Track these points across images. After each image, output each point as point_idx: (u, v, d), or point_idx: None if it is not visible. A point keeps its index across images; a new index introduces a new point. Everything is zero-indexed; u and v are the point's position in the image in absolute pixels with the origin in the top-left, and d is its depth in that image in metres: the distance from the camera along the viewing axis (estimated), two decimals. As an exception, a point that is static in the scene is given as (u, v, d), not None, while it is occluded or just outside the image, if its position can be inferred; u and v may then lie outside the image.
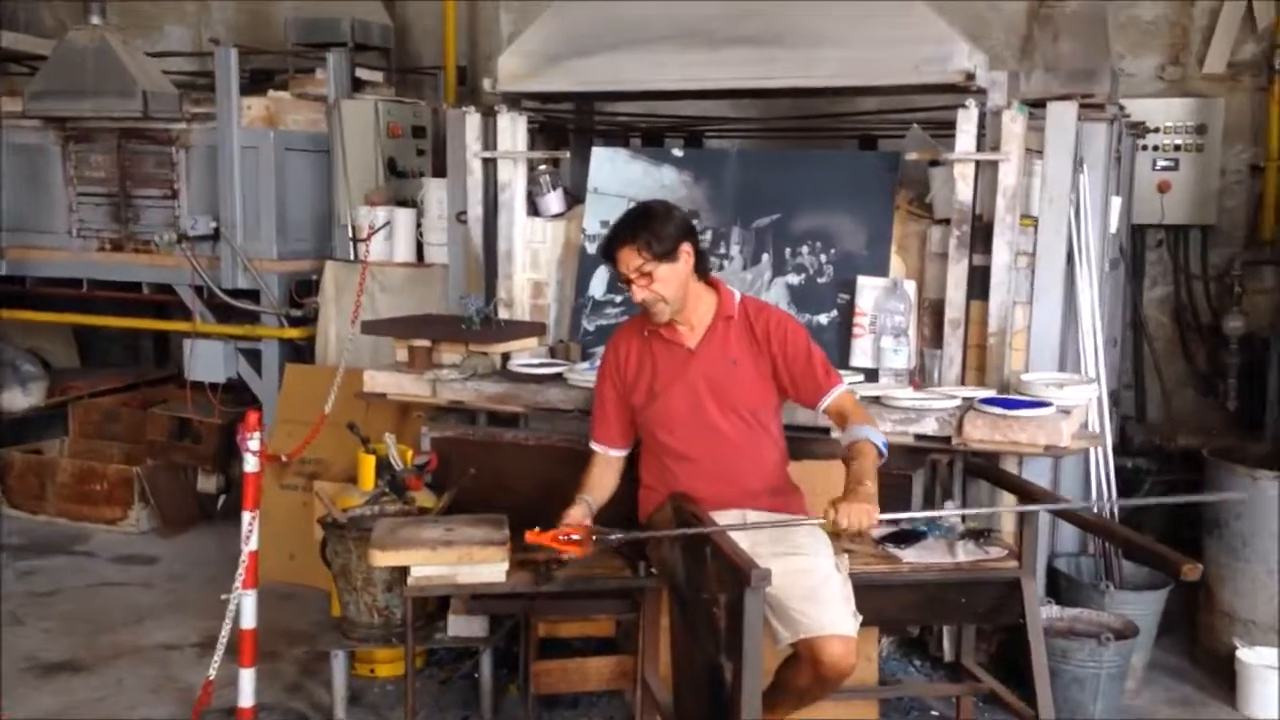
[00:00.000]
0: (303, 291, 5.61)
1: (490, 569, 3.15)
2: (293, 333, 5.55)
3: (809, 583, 3.02)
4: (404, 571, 3.16)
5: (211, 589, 4.32)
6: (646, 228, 3.14)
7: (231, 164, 5.50)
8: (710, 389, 3.24)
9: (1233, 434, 5.22)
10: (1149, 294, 5.68)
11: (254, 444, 3.42)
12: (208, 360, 5.62)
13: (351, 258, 5.42)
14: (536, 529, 3.04)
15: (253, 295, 5.60)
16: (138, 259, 5.81)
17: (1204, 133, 5.50)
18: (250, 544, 3.46)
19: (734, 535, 2.96)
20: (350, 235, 5.45)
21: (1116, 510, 4.04)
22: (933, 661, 4.13)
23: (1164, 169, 5.53)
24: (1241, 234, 5.55)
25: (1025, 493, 3.39)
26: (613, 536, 3.05)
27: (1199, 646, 4.27)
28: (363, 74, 6.10)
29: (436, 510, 3.72)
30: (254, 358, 5.65)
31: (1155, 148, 5.51)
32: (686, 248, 3.18)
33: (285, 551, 4.92)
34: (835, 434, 3.37)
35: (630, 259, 3.15)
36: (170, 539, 5.62)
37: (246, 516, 3.45)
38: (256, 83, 6.13)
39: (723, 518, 3.11)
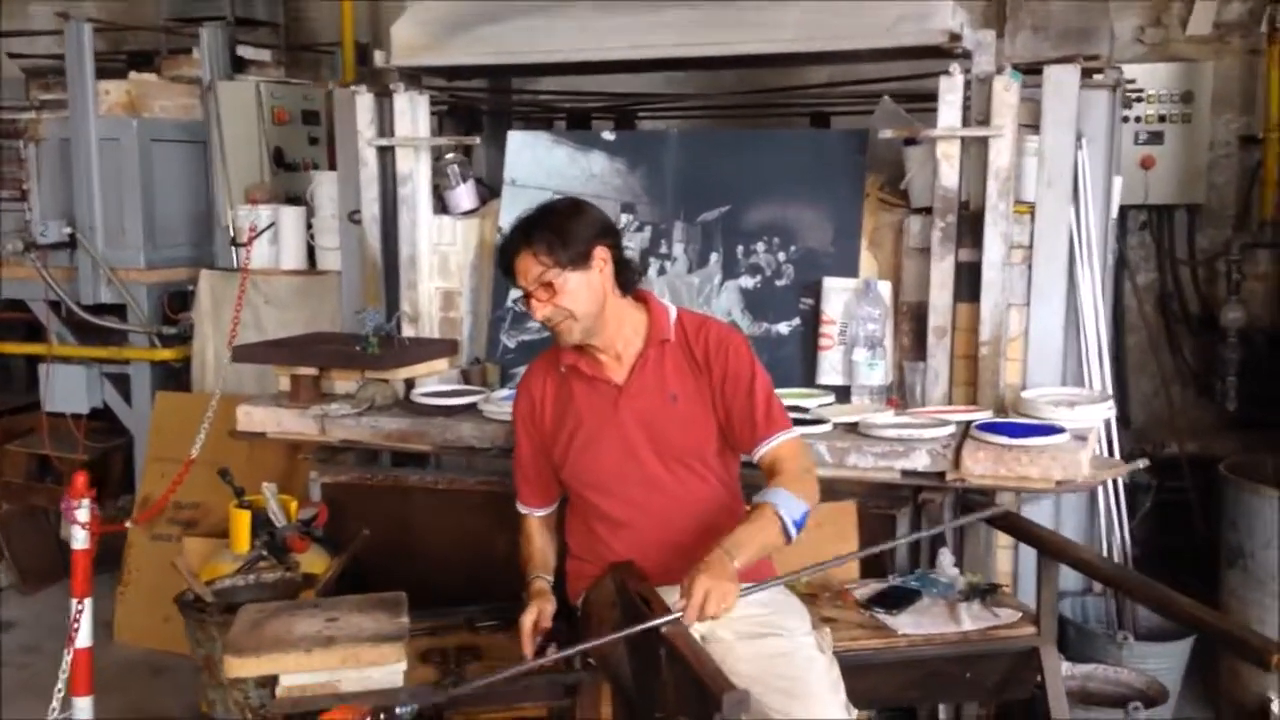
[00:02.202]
0: (177, 305, 4.86)
1: (383, 672, 2.46)
2: (165, 354, 4.80)
3: (789, 671, 2.40)
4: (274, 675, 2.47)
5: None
6: (547, 226, 2.53)
7: (88, 158, 4.74)
8: (646, 434, 2.59)
9: (1232, 438, 4.69)
10: (1131, 282, 5.14)
11: (82, 514, 2.70)
12: (68, 387, 4.87)
13: (234, 265, 4.68)
14: None
15: (119, 311, 4.84)
16: (-17, 271, 5.02)
17: (1190, 101, 4.94)
18: (80, 640, 2.74)
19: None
20: (232, 239, 4.71)
21: (1130, 550, 3.47)
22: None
23: (1147, 142, 4.97)
24: (1231, 214, 5.02)
25: (1045, 544, 2.77)
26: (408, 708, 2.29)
27: (1224, 697, 3.70)
28: (247, 52, 5.36)
29: (322, 582, 3.03)
30: (122, 383, 4.89)
31: (1137, 119, 4.94)
32: (601, 252, 2.55)
33: (158, 613, 4.17)
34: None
35: (528, 267, 2.52)
36: (32, 595, 4.84)
37: (74, 606, 2.72)
38: (136, 67, 5.36)
39: (672, 595, 2.46)
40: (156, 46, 5.66)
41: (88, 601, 2.78)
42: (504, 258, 2.58)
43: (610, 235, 2.60)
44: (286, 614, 2.62)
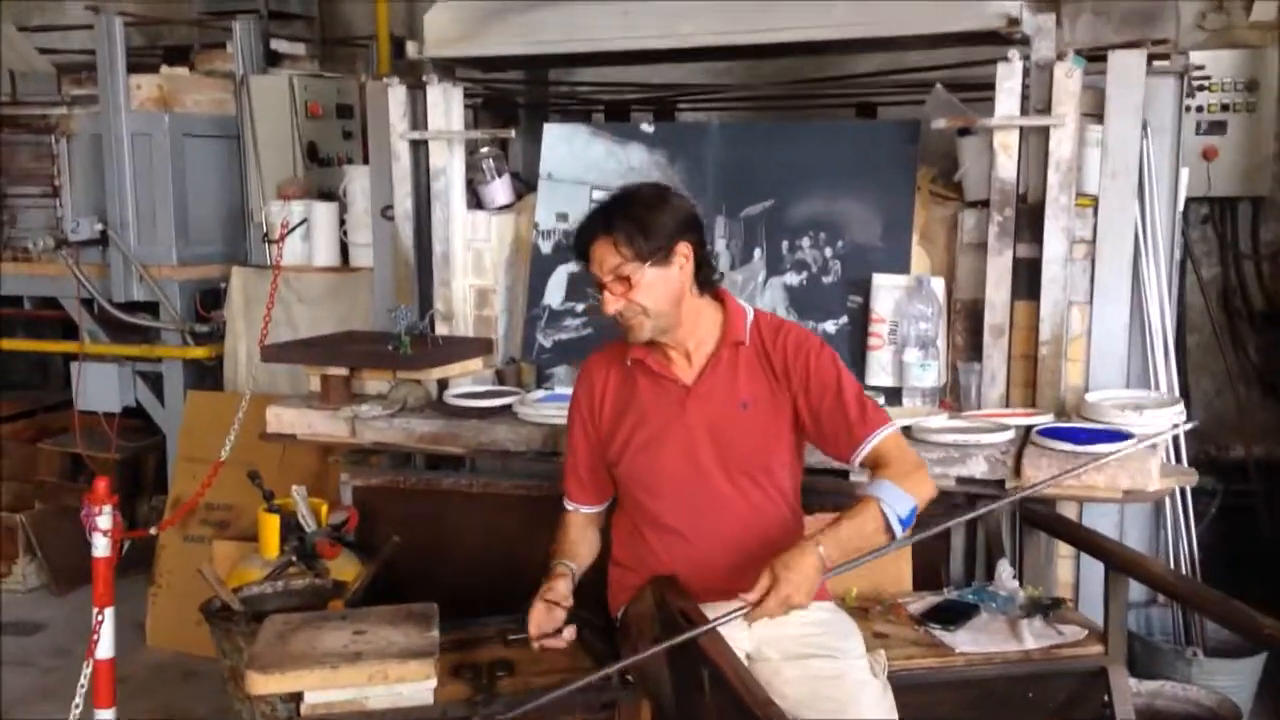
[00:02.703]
0: (209, 303, 4.77)
1: (412, 689, 2.35)
2: (198, 352, 4.71)
3: (838, 695, 2.27)
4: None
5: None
6: (630, 216, 2.36)
7: (120, 154, 4.65)
8: (713, 441, 2.44)
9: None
10: (1191, 277, 4.93)
11: (104, 521, 2.61)
12: (100, 386, 4.79)
13: (266, 262, 4.59)
14: None
15: (151, 309, 4.76)
16: (17, 269, 4.95)
17: (1254, 89, 4.73)
18: (102, 650, 2.64)
19: (735, 634, 2.21)
20: (264, 235, 4.62)
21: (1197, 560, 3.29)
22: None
23: (1209, 133, 4.76)
24: (1299, 207, 4.81)
25: (1114, 557, 2.61)
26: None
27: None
28: (281, 46, 5.27)
29: (352, 591, 2.92)
30: (155, 381, 4.81)
31: (1199, 109, 4.74)
32: (684, 249, 2.39)
33: (190, 616, 4.03)
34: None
35: (605, 256, 2.36)
36: (63, 597, 4.78)
37: (95, 615, 2.63)
38: (171, 62, 5.28)
39: (719, 613, 2.32)
40: (192, 41, 5.58)
41: (109, 611, 2.68)
42: (580, 241, 2.43)
43: (695, 230, 2.44)
44: (313, 626, 2.51)
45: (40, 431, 5.40)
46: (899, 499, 2.30)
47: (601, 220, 2.39)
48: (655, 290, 2.36)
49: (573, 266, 3.59)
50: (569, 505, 2.67)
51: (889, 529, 2.28)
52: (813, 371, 2.43)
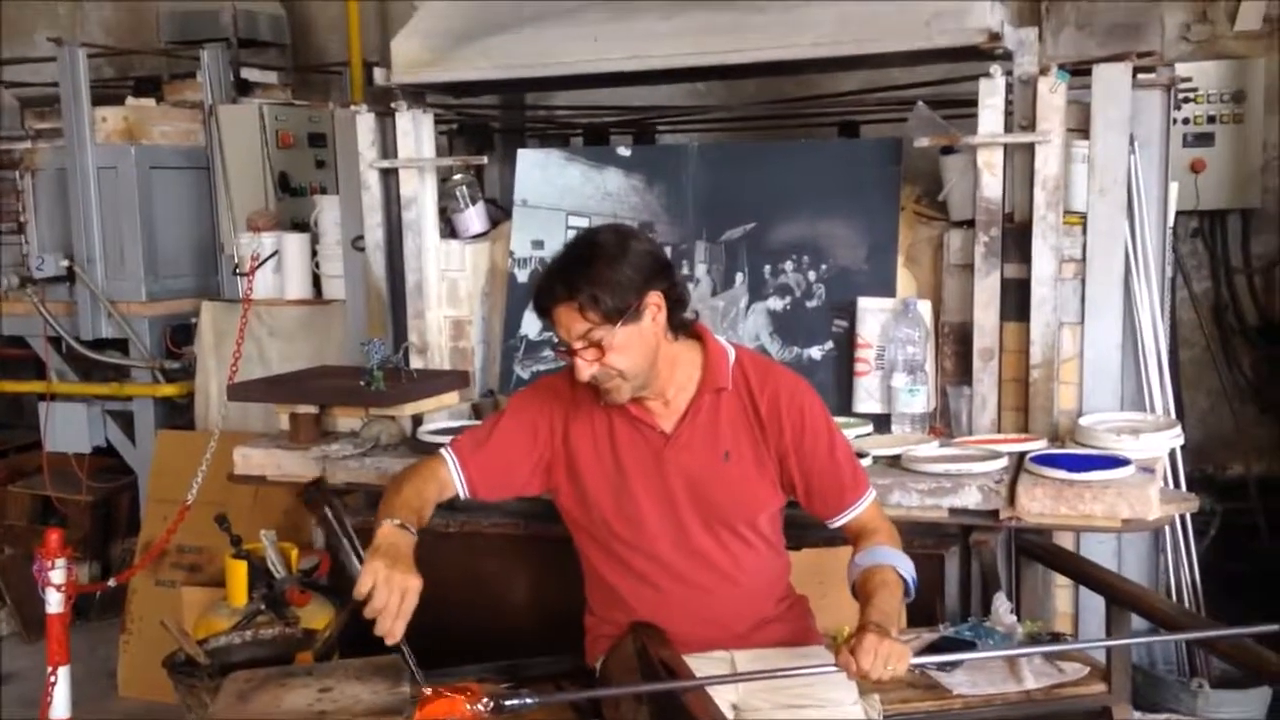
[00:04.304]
0: (180, 339, 4.66)
1: (382, 748, 2.22)
2: (169, 390, 4.60)
3: (832, 746, 2.14)
4: (263, 753, 2.24)
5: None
6: (591, 278, 2.14)
7: (85, 188, 4.55)
8: (691, 494, 2.29)
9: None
10: (1182, 292, 4.85)
11: (57, 576, 2.49)
12: (69, 426, 4.66)
13: (237, 295, 4.47)
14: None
15: (120, 345, 4.65)
16: (-18, 307, 4.84)
17: (1241, 100, 4.66)
18: (57, 711, 2.52)
19: (720, 686, 2.11)
20: (234, 268, 4.50)
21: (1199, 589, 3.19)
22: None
23: (1196, 145, 4.69)
24: (1290, 219, 4.73)
25: (1116, 592, 2.50)
26: (522, 700, 1.98)
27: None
28: (251, 74, 5.19)
29: (322, 640, 2.80)
30: (126, 420, 4.69)
31: (1186, 120, 4.66)
32: (654, 299, 2.20)
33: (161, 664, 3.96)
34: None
35: (571, 323, 2.17)
36: (34, 645, 4.62)
37: (48, 674, 2.51)
38: (142, 93, 5.18)
39: (703, 664, 2.21)
40: (161, 72, 5.49)
41: (64, 670, 2.56)
42: (540, 304, 2.24)
43: (663, 275, 2.23)
44: (276, 684, 2.37)
45: (12, 473, 5.25)
46: (907, 565, 2.25)
47: (562, 283, 2.16)
48: (630, 350, 2.18)
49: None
50: (447, 454, 2.35)
51: (908, 594, 2.25)
52: (807, 429, 2.29)
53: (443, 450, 2.38)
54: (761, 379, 2.33)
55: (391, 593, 2.03)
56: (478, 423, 3.40)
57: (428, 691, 2.01)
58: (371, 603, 2.04)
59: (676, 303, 2.25)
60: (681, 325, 2.29)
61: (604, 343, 2.16)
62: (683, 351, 2.31)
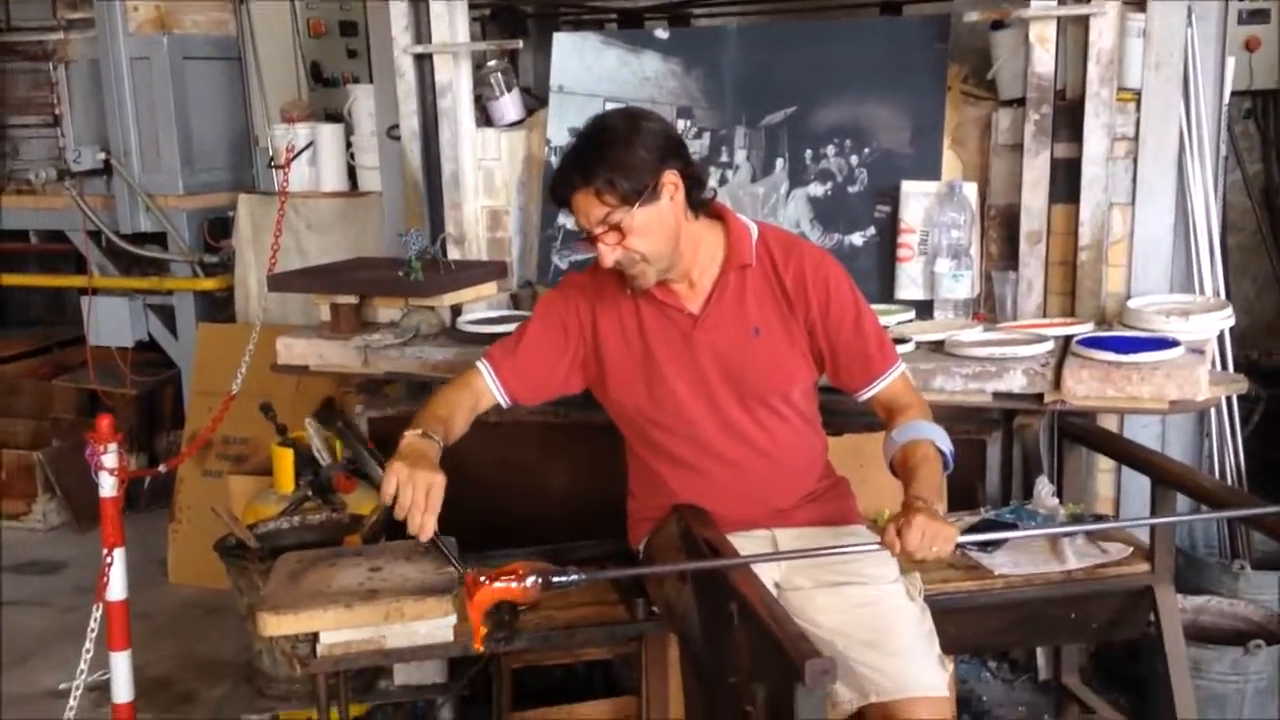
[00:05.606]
0: (218, 232, 4.66)
1: (431, 625, 2.27)
2: (208, 283, 4.62)
3: (874, 622, 2.16)
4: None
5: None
6: (605, 160, 2.13)
7: (119, 80, 4.53)
8: (723, 371, 2.29)
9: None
10: (1233, 175, 4.72)
11: (109, 459, 2.53)
12: (112, 320, 4.72)
13: (273, 188, 4.45)
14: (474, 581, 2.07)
15: (159, 239, 4.66)
16: (21, 202, 4.85)
17: (1300, -29, 4.48)
18: (113, 592, 2.58)
19: (763, 563, 2.13)
20: (270, 160, 4.48)
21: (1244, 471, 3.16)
22: (1011, 665, 3.28)
23: (1251, 22, 4.52)
24: (1345, 97, 4.58)
25: (1161, 471, 2.48)
26: (570, 577, 2.02)
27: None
28: (280, -39, 5.08)
29: (368, 526, 2.84)
30: (167, 315, 4.73)
31: (1240, -5, 4.49)
32: (670, 178, 2.17)
33: (210, 551, 4.04)
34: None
35: (590, 208, 2.16)
36: (84, 534, 4.74)
37: (104, 556, 2.56)
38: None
39: (745, 543, 2.23)
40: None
41: (119, 552, 2.61)
42: (558, 194, 2.22)
43: (677, 153, 2.21)
44: (327, 564, 2.43)
45: (55, 368, 5.34)
46: (944, 438, 2.23)
47: (577, 170, 2.16)
48: (650, 231, 2.17)
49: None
50: (481, 364, 2.37)
51: (946, 466, 2.24)
52: (832, 298, 2.28)
53: (477, 362, 2.41)
54: (786, 253, 2.31)
55: (416, 490, 2.05)
56: (516, 312, 3.42)
57: (477, 577, 2.02)
58: (398, 503, 2.06)
59: (694, 181, 2.23)
60: (701, 204, 2.27)
61: (624, 225, 2.15)
62: (705, 231, 2.30)
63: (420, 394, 3.39)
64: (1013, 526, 2.62)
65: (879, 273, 3.22)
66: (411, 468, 2.07)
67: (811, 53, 3.37)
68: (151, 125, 4.58)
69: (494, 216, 3.69)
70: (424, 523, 2.07)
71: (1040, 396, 2.70)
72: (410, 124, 3.63)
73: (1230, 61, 3.37)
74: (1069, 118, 2.98)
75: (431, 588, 2.28)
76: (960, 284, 3.10)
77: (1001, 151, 3.12)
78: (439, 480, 2.09)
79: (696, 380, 2.30)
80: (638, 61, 3.54)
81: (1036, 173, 3.01)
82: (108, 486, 2.56)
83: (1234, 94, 4.54)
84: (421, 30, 3.57)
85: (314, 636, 2.26)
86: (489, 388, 2.37)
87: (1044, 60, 2.95)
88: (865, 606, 2.18)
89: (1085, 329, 2.87)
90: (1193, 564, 3.15)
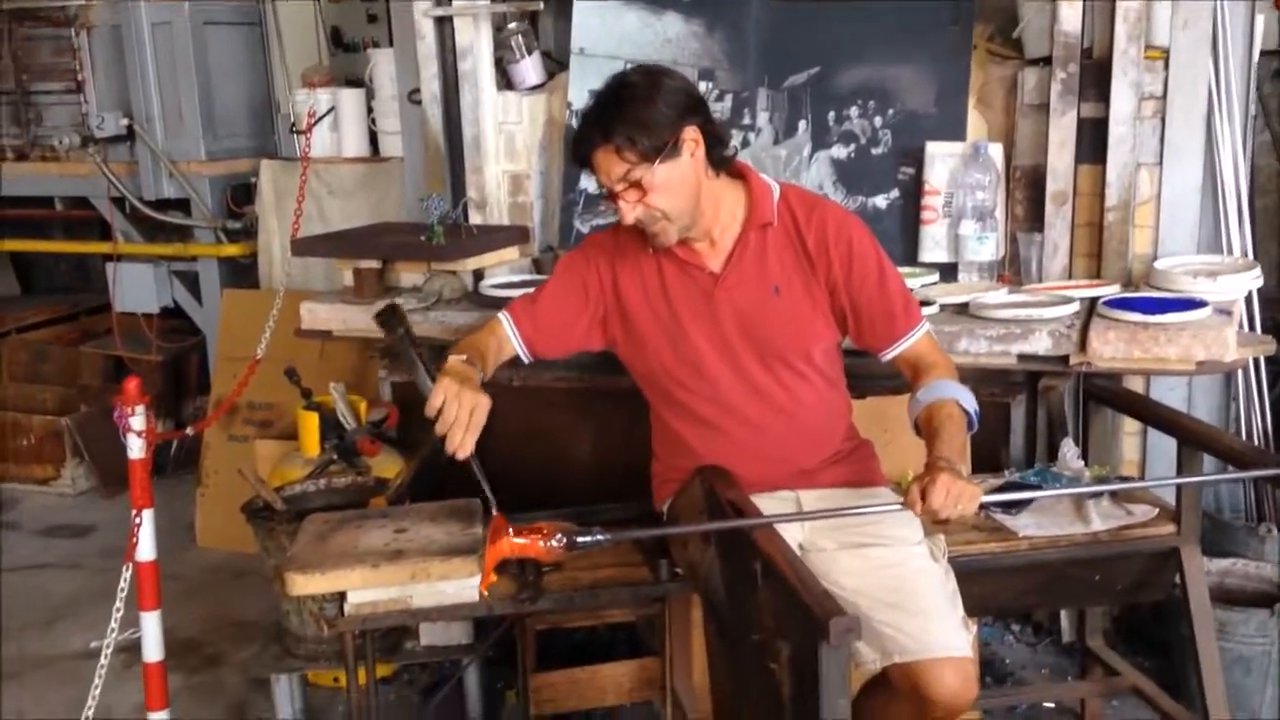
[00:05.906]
0: (241, 198, 4.68)
1: (457, 585, 2.29)
2: (232, 249, 4.64)
3: (898, 584, 2.16)
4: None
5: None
6: (625, 117, 2.13)
7: (141, 45, 4.54)
8: (744, 331, 2.29)
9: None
10: (1261, 136, 4.66)
11: (137, 422, 2.55)
12: (137, 287, 4.74)
13: (295, 154, 4.46)
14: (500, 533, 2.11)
15: (183, 206, 4.67)
16: (45, 168, 4.87)
17: (1334, -70, 4.40)
18: (143, 553, 2.60)
19: (787, 524, 2.13)
20: (291, 126, 4.48)
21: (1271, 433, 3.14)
22: (1035, 627, 3.29)
23: (1282, -22, 4.44)
24: (1378, 57, 4.51)
25: (1188, 432, 2.47)
26: (594, 537, 2.06)
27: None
28: (301, -74, 5.06)
29: (393, 488, 2.86)
30: (192, 281, 4.75)
31: (1272, -48, 4.41)
32: (691, 134, 2.17)
33: (239, 515, 4.04)
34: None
35: (610, 166, 2.16)
36: (112, 499, 4.79)
37: (133, 517, 2.59)
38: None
39: (769, 504, 2.23)
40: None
41: (148, 513, 2.63)
42: (579, 153, 2.22)
43: (698, 110, 2.21)
44: (353, 525, 2.44)
45: (82, 334, 5.38)
46: (968, 398, 2.22)
47: (597, 128, 2.16)
48: (671, 188, 2.17)
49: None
50: (502, 315, 2.41)
51: (971, 426, 2.22)
52: (855, 257, 2.26)
53: (499, 314, 2.44)
54: (808, 212, 2.30)
55: (462, 407, 2.10)
56: (539, 277, 3.42)
57: (505, 521, 2.04)
58: (443, 416, 2.09)
59: (714, 139, 2.23)
60: (722, 162, 2.27)
61: (644, 182, 2.15)
62: (726, 189, 2.29)
63: (441, 359, 3.40)
64: (1037, 488, 2.61)
65: (903, 235, 3.20)
66: (460, 385, 2.11)
67: (834, 13, 3.34)
68: (174, 91, 4.59)
69: (515, 181, 3.68)
70: (464, 441, 2.11)
71: (1066, 358, 2.69)
72: (431, 88, 3.62)
73: (1260, 20, 3.32)
74: (1096, 76, 2.95)
75: (457, 548, 2.29)
76: (985, 246, 3.08)
77: (1027, 111, 3.09)
78: (484, 401, 2.13)
79: (718, 339, 2.30)
80: (659, 23, 3.52)
81: (1063, 133, 2.99)
82: (135, 448, 2.58)
83: (1263, 53, 4.47)
84: (442, -8, 3.56)
85: (341, 596, 2.28)
86: (510, 338, 2.41)
87: (1071, 18, 2.91)
88: (889, 568, 2.18)
89: (1111, 291, 2.86)
90: (1219, 527, 3.14)
